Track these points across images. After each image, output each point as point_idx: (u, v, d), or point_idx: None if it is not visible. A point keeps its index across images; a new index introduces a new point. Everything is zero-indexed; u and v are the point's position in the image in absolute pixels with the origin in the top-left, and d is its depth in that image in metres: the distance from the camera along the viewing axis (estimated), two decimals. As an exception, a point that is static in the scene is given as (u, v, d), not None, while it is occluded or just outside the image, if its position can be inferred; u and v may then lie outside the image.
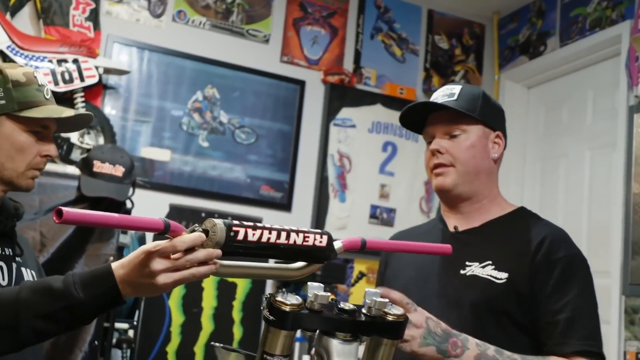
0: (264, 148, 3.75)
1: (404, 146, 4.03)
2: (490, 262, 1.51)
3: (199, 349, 3.34)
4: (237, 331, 3.42)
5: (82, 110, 1.72)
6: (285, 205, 3.76)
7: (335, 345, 1.26)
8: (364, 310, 1.32)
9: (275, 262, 1.44)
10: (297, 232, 1.33)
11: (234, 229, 1.24)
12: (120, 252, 2.68)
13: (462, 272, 1.54)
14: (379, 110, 4.01)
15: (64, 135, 3.09)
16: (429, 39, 4.22)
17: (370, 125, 3.99)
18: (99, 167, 2.68)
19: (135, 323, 2.83)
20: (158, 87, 3.58)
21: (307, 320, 1.26)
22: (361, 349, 1.31)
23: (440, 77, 4.22)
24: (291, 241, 1.32)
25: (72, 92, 3.18)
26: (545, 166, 4.04)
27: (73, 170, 2.77)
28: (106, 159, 2.72)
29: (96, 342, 2.54)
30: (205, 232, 1.24)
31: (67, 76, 3.11)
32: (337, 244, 1.35)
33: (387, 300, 1.30)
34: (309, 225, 3.77)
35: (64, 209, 1.04)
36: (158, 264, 1.19)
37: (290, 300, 1.26)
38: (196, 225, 1.25)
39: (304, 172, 3.84)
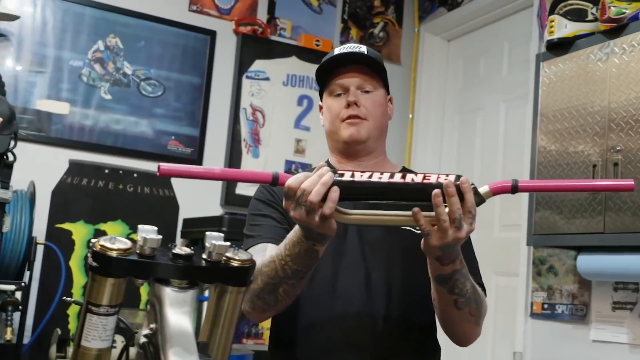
0: (171, 101, 3.59)
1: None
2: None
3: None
4: (144, 291, 3.30)
5: None
6: (195, 161, 3.63)
7: (168, 293, 1.15)
8: (204, 256, 1.21)
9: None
10: (417, 173, 1.29)
11: (339, 171, 1.27)
12: (1, 208, 2.51)
13: None
14: (294, 62, 3.88)
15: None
16: (347, -10, 4.09)
17: (285, 78, 3.86)
18: (-26, 117, 2.49)
19: (23, 284, 2.68)
20: (54, 36, 3.37)
21: (136, 266, 1.14)
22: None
23: (358, 29, 4.11)
24: (408, 180, 1.27)
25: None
26: (463, 119, 3.99)
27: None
28: (-18, 109, 2.53)
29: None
30: None
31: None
32: (483, 189, 1.29)
33: (228, 244, 1.19)
34: (219, 183, 3.65)
35: (161, 164, 1.23)
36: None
37: (116, 244, 1.15)
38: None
39: (215, 126, 3.70)
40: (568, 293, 2.92)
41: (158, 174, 1.24)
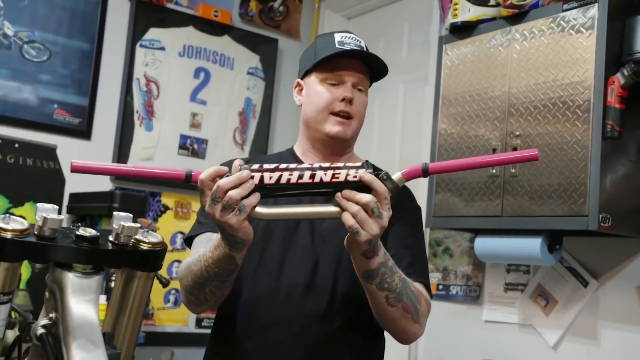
0: (58, 67, 3.36)
1: (218, 73, 3.80)
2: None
3: None
4: (24, 270, 3.09)
5: None
6: (84, 132, 3.42)
7: (71, 279, 1.04)
8: (110, 238, 1.11)
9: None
10: (327, 169, 1.28)
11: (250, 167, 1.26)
12: None
13: None
14: (191, 33, 3.73)
15: None
16: (247, -40, 3.97)
17: (181, 49, 3.70)
18: None
19: None
20: None
21: (35, 249, 1.03)
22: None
23: (258, 2, 4.00)
24: (317, 180, 1.27)
25: None
26: (361, 100, 3.98)
27: None
28: None
29: None
30: None
31: None
32: (396, 176, 1.31)
33: (138, 225, 1.10)
34: (110, 154, 3.46)
35: (74, 161, 1.22)
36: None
37: (11, 224, 1.03)
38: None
39: (106, 96, 3.49)
40: (462, 274, 2.99)
41: (70, 170, 1.23)
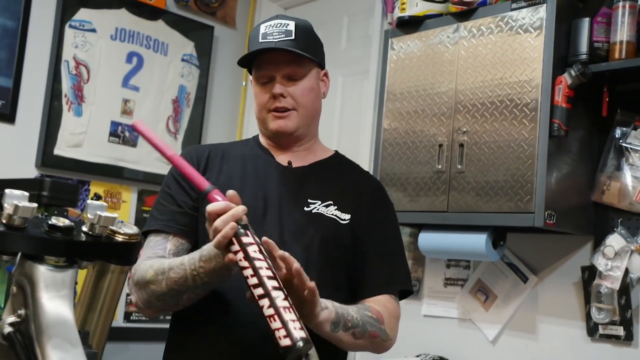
0: (-20, 45, 3.15)
1: (152, 59, 3.66)
2: (331, 202, 1.55)
3: None
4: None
5: None
6: (7, 115, 3.22)
7: (43, 272, 0.95)
8: (84, 229, 1.03)
9: None
10: (271, 304, 1.18)
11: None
12: None
13: (306, 209, 1.54)
14: (124, 15, 3.58)
15: None
16: (183, -57, 3.84)
17: (113, 32, 3.54)
18: None
19: None
20: None
21: (3, 239, 0.94)
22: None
23: (194, -13, 3.88)
24: (256, 294, 1.20)
25: None
26: (298, 91, 3.93)
27: None
28: None
29: None
30: None
31: None
32: None
33: (115, 215, 1.02)
34: (36, 139, 3.27)
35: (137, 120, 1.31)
36: None
37: (-23, 213, 0.93)
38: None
39: (31, 78, 3.30)
40: (403, 268, 2.99)
41: (131, 126, 1.35)
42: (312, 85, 1.57)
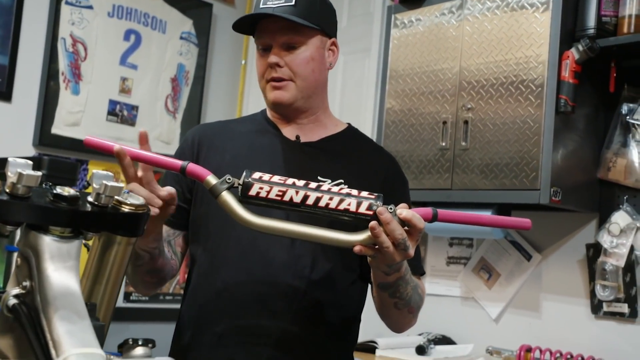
0: (-24, 22, 3.10)
1: (150, 37, 3.61)
2: (342, 181, 1.47)
3: None
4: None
5: None
6: (3, 93, 3.17)
7: (48, 243, 0.92)
8: (90, 199, 0.99)
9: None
10: (333, 195, 1.18)
11: (252, 177, 1.20)
12: None
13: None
14: (122, -8, 3.53)
15: None
16: None
17: (110, 9, 3.49)
18: None
19: None
20: None
21: (6, 208, 0.91)
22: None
23: (192, -36, 3.82)
24: (322, 204, 1.18)
25: None
26: (298, 70, 3.89)
27: None
28: None
29: None
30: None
31: None
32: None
33: (121, 185, 0.99)
34: (33, 118, 3.23)
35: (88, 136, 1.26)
36: None
37: (-21, 181, 0.90)
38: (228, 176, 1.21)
39: (28, 55, 3.25)
40: (405, 247, 2.97)
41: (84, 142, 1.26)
42: (312, 55, 1.47)
